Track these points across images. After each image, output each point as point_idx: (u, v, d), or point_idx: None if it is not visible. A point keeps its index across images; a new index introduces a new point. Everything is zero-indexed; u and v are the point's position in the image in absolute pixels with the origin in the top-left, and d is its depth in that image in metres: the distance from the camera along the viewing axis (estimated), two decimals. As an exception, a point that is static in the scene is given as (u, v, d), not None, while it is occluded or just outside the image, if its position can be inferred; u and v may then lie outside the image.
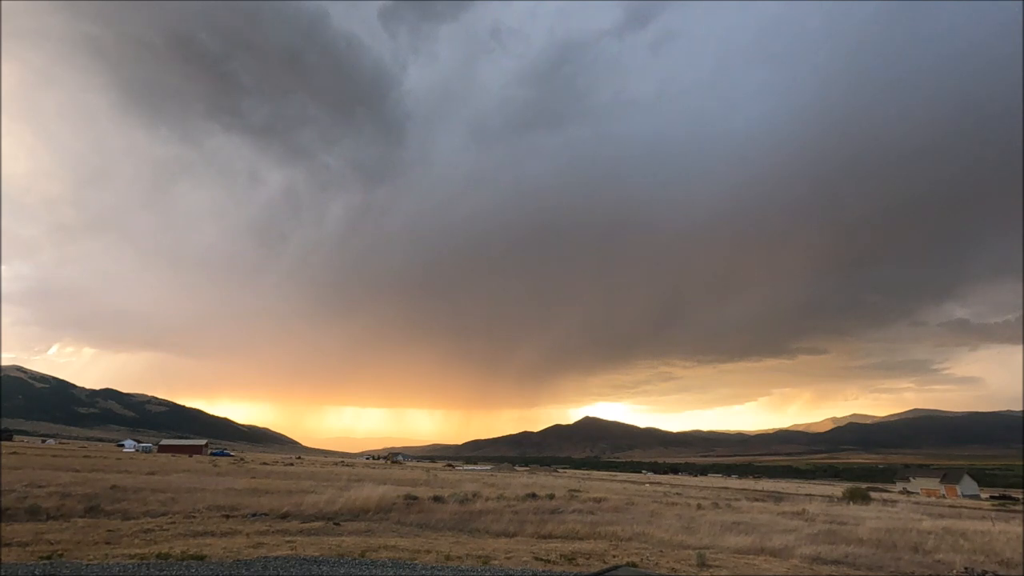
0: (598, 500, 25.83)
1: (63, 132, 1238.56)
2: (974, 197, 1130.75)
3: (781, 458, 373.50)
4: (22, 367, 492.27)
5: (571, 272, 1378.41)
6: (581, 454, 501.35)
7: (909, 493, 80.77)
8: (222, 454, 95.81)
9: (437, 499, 20.35)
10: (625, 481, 65.93)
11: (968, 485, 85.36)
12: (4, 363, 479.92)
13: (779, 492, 53.27)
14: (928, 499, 63.71)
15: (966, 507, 45.55)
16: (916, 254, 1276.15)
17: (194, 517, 14.36)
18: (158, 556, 9.09)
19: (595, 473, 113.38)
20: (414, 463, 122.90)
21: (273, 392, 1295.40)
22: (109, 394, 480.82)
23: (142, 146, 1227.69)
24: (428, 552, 10.61)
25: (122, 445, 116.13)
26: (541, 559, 10.69)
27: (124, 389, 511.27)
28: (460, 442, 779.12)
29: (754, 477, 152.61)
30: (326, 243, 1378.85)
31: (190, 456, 75.96)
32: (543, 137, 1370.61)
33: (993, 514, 33.46)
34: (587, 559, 11.06)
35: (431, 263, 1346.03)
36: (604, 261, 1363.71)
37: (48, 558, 8.81)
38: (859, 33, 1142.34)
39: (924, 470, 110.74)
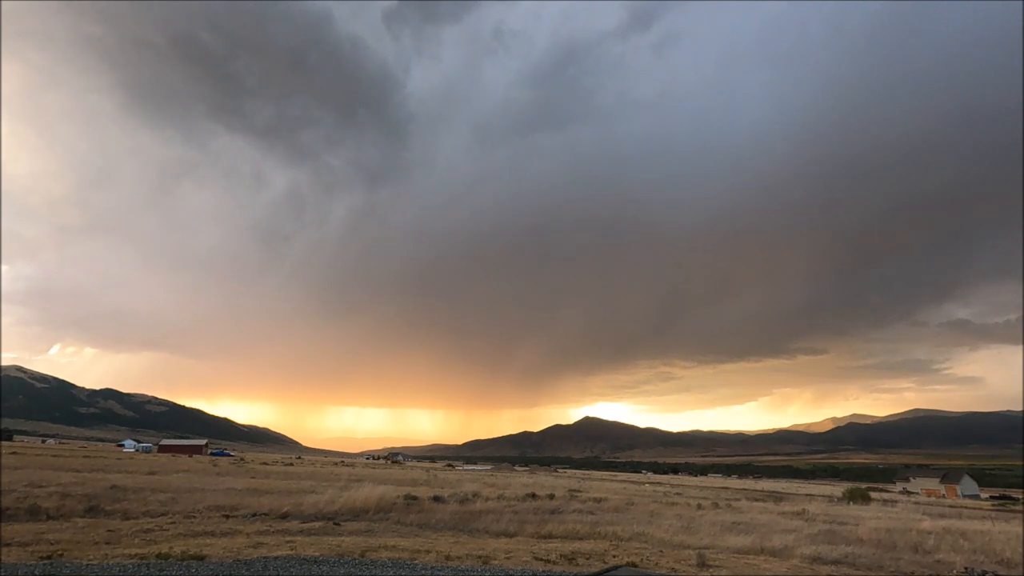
0: (598, 500, 25.84)
1: (66, 133, 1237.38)
2: (974, 197, 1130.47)
3: (781, 458, 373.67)
4: (22, 367, 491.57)
5: (572, 272, 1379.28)
6: (581, 454, 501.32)
7: (909, 493, 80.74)
8: (222, 454, 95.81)
9: (437, 499, 20.34)
10: (625, 481, 65.93)
11: (968, 485, 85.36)
12: (5, 363, 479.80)
13: (779, 492, 53.27)
14: (928, 499, 63.70)
15: (966, 507, 45.53)
16: (916, 254, 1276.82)
17: (194, 517, 14.36)
18: (158, 556, 9.09)
19: (595, 473, 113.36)
20: (414, 463, 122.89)
21: (273, 392, 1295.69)
22: (109, 394, 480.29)
23: (146, 147, 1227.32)
24: (428, 552, 10.61)
25: (122, 445, 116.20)
26: (541, 559, 10.69)
27: (124, 389, 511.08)
28: (460, 442, 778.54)
29: (754, 477, 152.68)
30: (328, 243, 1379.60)
31: (190, 456, 75.95)
32: (546, 138, 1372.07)
33: (993, 514, 33.46)
34: (587, 559, 11.06)
35: (432, 263, 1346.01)
36: (605, 261, 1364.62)
37: (48, 558, 8.81)
38: (860, 33, 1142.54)
39: (924, 470, 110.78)
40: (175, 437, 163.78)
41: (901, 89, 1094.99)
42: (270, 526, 13.63)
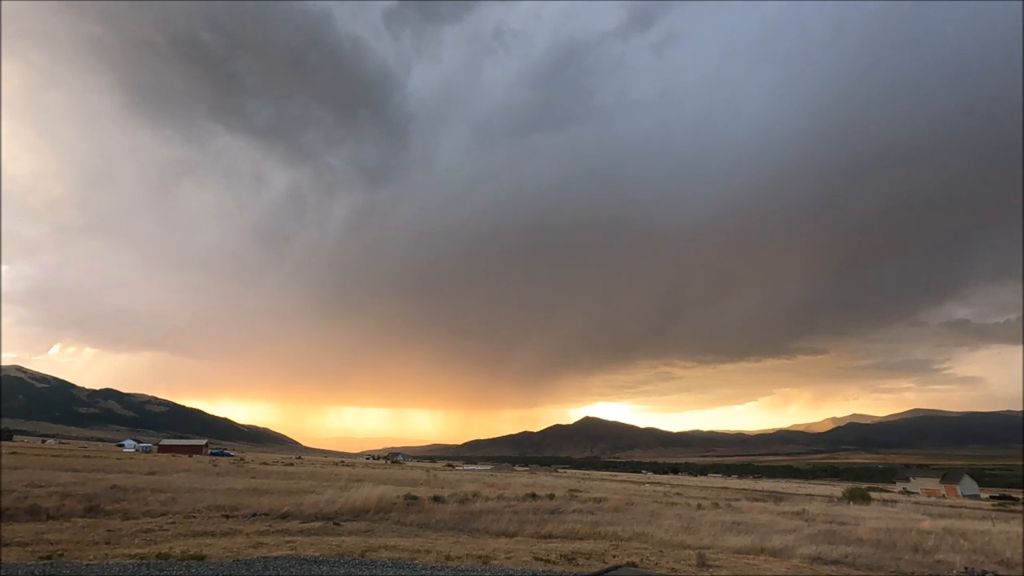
0: (598, 500, 25.84)
1: (67, 133, 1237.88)
2: (974, 197, 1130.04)
3: (781, 458, 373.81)
4: (22, 367, 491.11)
5: (572, 272, 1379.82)
6: (581, 454, 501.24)
7: (909, 493, 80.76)
8: (222, 454, 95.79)
9: (437, 499, 20.34)
10: (625, 481, 65.92)
11: (968, 485, 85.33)
12: (5, 363, 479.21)
13: (779, 492, 53.27)
14: (928, 499, 63.70)
15: (966, 507, 45.54)
16: (916, 254, 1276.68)
17: (194, 517, 14.36)
18: (158, 556, 9.09)
19: (595, 473, 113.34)
20: (414, 463, 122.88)
21: (273, 392, 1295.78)
22: (109, 394, 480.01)
23: (146, 147, 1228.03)
24: (428, 552, 10.61)
25: (122, 445, 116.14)
26: (541, 559, 10.69)
27: (124, 389, 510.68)
28: (460, 442, 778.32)
29: (754, 477, 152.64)
30: (328, 243, 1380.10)
31: (190, 456, 75.93)
32: (546, 138, 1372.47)
33: (993, 514, 33.46)
34: (587, 559, 11.06)
35: (432, 263, 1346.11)
36: (605, 261, 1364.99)
37: (48, 558, 8.81)
38: (860, 33, 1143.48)
39: (924, 470, 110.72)
40: (175, 437, 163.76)
41: (901, 89, 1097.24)
42: (270, 526, 13.63)
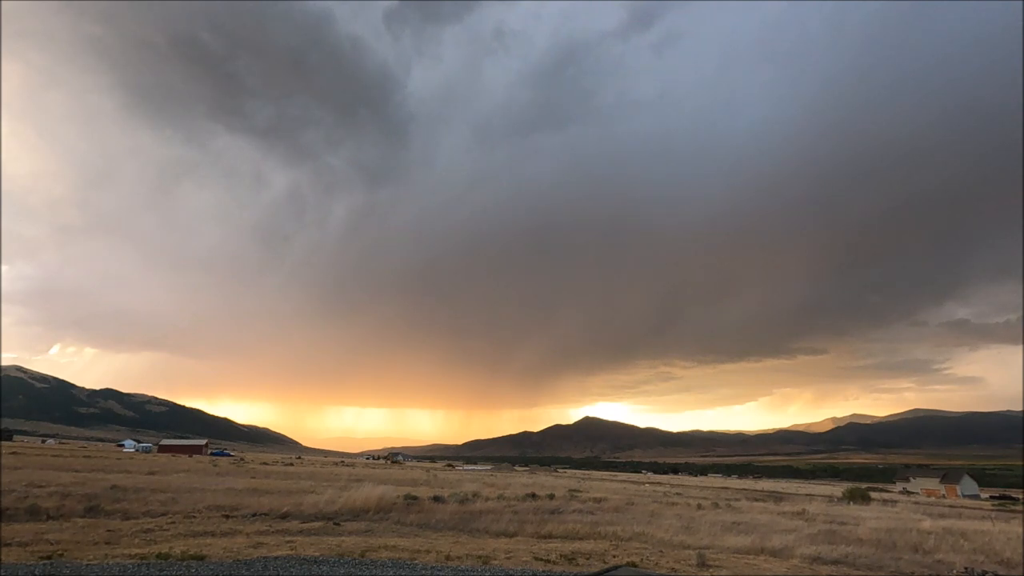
0: (598, 500, 25.83)
1: (66, 133, 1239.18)
2: (974, 197, 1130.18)
3: (781, 458, 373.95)
4: (22, 367, 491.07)
5: (572, 272, 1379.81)
6: (581, 454, 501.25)
7: (909, 493, 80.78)
8: (222, 454, 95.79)
9: (437, 499, 20.34)
10: (625, 481, 65.91)
11: (968, 485, 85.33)
12: (5, 363, 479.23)
13: (779, 492, 53.26)
14: (928, 499, 63.69)
15: (966, 507, 45.53)
16: (916, 254, 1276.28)
17: (194, 517, 14.36)
18: (158, 556, 9.09)
19: (595, 473, 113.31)
20: (414, 463, 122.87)
21: (273, 392, 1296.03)
22: (109, 394, 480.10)
23: (146, 147, 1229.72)
24: (428, 552, 10.61)
25: (122, 445, 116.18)
26: (541, 559, 10.69)
27: (124, 389, 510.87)
28: (460, 442, 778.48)
29: (754, 477, 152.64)
30: (328, 244, 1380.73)
31: (190, 456, 75.93)
32: (546, 138, 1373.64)
33: (993, 514, 33.45)
34: (587, 559, 11.06)
35: (432, 263, 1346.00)
36: (605, 261, 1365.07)
37: (48, 558, 8.81)
38: (860, 33, 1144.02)
39: (924, 470, 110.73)
40: (175, 437, 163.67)
41: (901, 89, 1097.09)
42: (270, 526, 13.63)
